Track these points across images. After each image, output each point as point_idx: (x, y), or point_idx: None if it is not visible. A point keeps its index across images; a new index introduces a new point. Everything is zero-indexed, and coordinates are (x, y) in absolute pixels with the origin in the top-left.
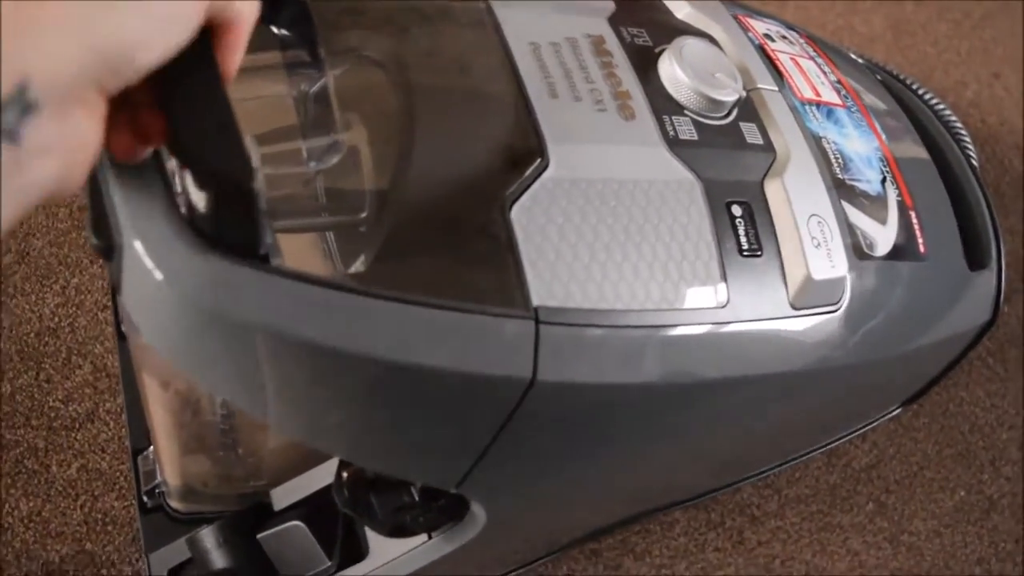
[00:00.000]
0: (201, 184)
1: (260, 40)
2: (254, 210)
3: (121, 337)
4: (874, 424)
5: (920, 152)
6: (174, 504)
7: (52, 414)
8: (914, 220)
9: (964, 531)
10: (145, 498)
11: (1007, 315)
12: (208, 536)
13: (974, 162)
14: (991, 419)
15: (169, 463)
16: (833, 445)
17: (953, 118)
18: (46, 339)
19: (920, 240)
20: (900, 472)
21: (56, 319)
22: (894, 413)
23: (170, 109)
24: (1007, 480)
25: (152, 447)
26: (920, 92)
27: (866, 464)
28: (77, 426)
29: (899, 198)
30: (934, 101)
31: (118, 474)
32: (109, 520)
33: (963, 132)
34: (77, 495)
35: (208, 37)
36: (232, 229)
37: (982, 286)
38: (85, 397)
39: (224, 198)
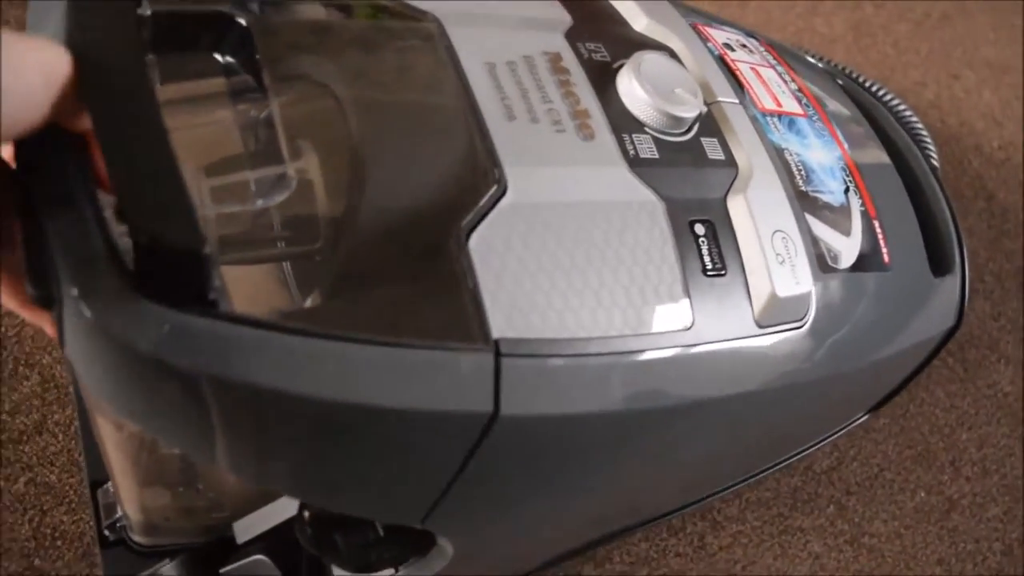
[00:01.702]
0: (147, 245)
1: (204, 67)
2: (201, 262)
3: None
4: (841, 432)
5: (883, 159)
6: (136, 538)
7: None
8: (878, 230)
9: (924, 532)
10: (106, 532)
11: (966, 316)
12: (170, 571)
13: (934, 161)
14: (951, 420)
15: (128, 498)
16: (801, 456)
17: (915, 120)
18: None
19: (884, 250)
20: (861, 474)
21: (2, 329)
22: (861, 420)
23: (110, 165)
24: (967, 480)
25: (110, 481)
26: (881, 95)
27: (827, 467)
28: (25, 439)
29: (862, 208)
30: (896, 103)
31: (67, 488)
32: (59, 535)
33: (925, 135)
34: (25, 510)
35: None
36: (177, 276)
37: (946, 292)
38: (33, 409)
39: (171, 253)
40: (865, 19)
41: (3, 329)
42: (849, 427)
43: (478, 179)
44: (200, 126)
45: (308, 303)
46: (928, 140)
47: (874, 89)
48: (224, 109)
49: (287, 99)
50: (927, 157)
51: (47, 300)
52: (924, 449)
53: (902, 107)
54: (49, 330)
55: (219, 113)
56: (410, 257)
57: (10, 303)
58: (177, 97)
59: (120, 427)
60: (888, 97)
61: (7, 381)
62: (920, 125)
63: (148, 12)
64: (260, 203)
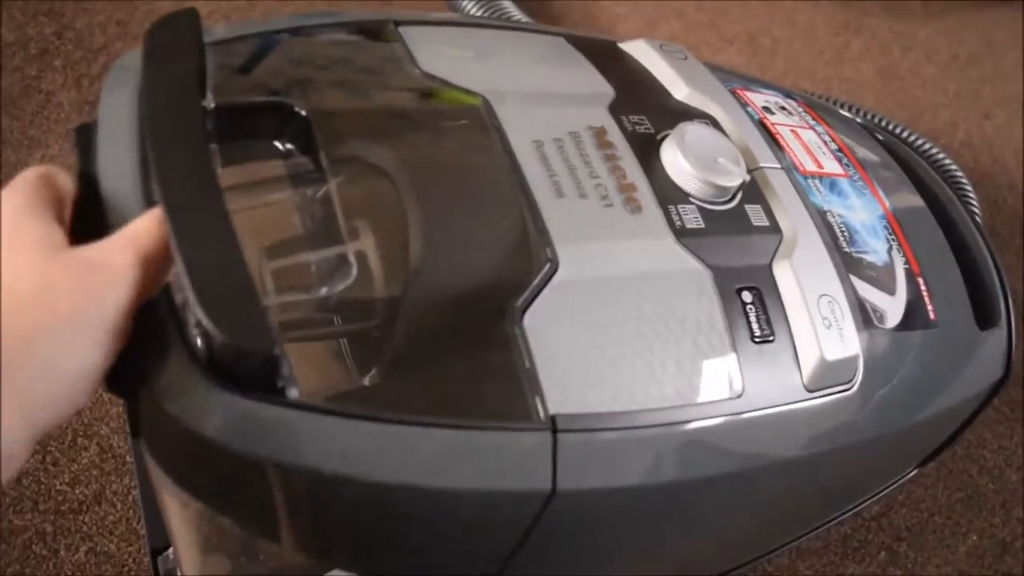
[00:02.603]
0: (222, 347)
1: (264, 152)
2: (273, 360)
3: (135, 435)
4: (892, 487)
5: (925, 214)
6: None
7: (59, 497)
8: (922, 287)
9: None
10: None
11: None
12: None
13: (978, 218)
14: (999, 461)
15: (189, 565)
16: (853, 512)
17: (955, 169)
18: None
19: (929, 306)
20: (910, 519)
21: None
22: (911, 475)
23: (187, 278)
24: (1018, 522)
25: (172, 548)
26: (920, 146)
27: (876, 513)
28: (84, 509)
29: (906, 266)
30: (935, 153)
31: (127, 556)
32: None
33: (966, 183)
34: None
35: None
36: (249, 368)
37: (993, 344)
38: (92, 479)
39: (244, 356)
40: (892, 63)
41: None
42: (900, 482)
43: (530, 257)
44: (262, 208)
45: (366, 381)
46: (970, 190)
47: (912, 140)
48: (284, 192)
49: (343, 181)
50: (970, 210)
51: (124, 391)
52: (973, 491)
53: (942, 157)
54: None
55: (280, 196)
56: (466, 335)
57: None
58: (240, 182)
59: (188, 504)
60: (927, 147)
61: (66, 452)
62: (961, 174)
63: (212, 105)
64: (325, 290)
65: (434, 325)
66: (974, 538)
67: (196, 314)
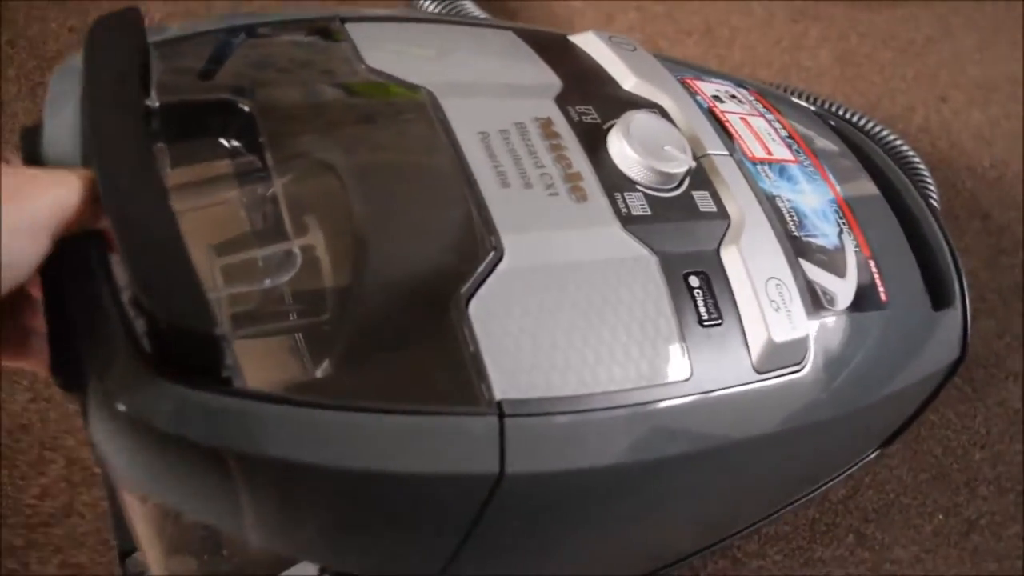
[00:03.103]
0: (164, 330)
1: (212, 151)
2: (215, 344)
3: None
4: (853, 468)
5: (877, 199)
6: None
7: (28, 511)
8: (873, 269)
9: (946, 555)
10: None
11: (971, 335)
12: None
13: (933, 201)
14: (963, 440)
15: (156, 565)
16: (814, 495)
17: (912, 154)
18: (18, 436)
19: (881, 288)
20: (877, 501)
21: (27, 415)
22: (872, 456)
23: (126, 259)
24: (984, 500)
25: (139, 551)
26: (876, 132)
27: (843, 496)
28: (54, 522)
29: (857, 248)
30: (891, 138)
31: (98, 567)
32: None
33: (922, 168)
34: None
35: None
36: (192, 357)
37: (948, 324)
38: (60, 492)
39: (186, 337)
40: (850, 50)
41: (28, 415)
42: (861, 463)
43: (476, 247)
44: (210, 207)
45: (319, 373)
46: (926, 174)
47: (868, 126)
48: (232, 190)
49: (290, 178)
50: (926, 194)
51: (71, 386)
52: (939, 472)
53: (899, 143)
54: None
55: (227, 194)
56: (414, 325)
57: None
58: (187, 181)
59: (145, 499)
60: (883, 133)
61: (35, 465)
62: (917, 159)
63: (156, 103)
64: (268, 282)
65: (382, 315)
66: (940, 517)
67: (136, 295)
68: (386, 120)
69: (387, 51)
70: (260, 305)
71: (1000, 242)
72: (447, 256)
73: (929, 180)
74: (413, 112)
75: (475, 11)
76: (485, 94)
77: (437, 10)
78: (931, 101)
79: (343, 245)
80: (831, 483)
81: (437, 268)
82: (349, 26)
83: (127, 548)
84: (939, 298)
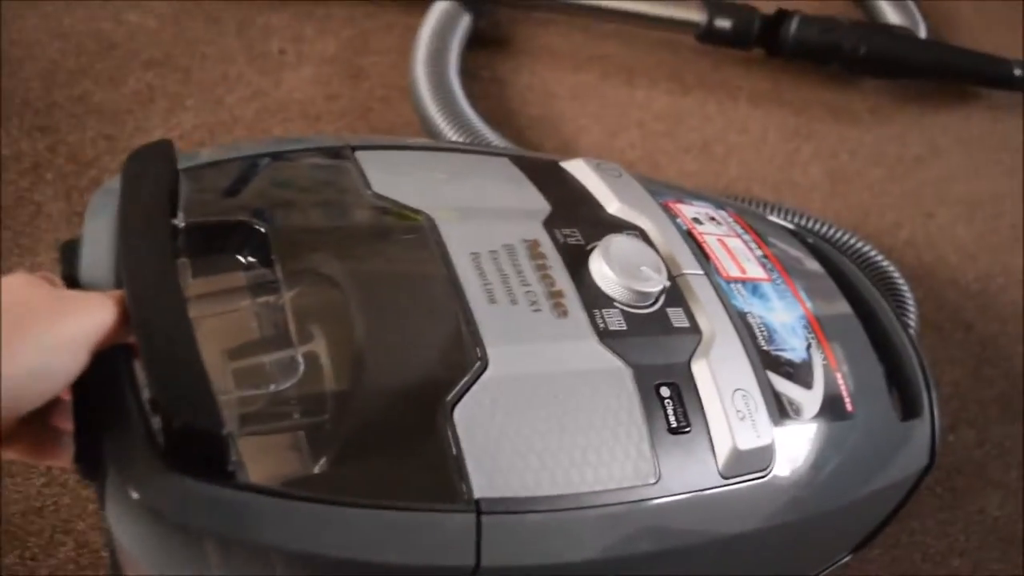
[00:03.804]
0: (176, 429)
1: (229, 264)
2: (221, 443)
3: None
4: (826, 571)
5: (847, 314)
6: None
7: None
8: (840, 381)
9: None
10: None
11: (952, 444)
12: None
13: (908, 311)
14: (942, 547)
15: None
16: None
17: (891, 269)
18: (31, 518)
19: (847, 399)
20: None
21: (41, 499)
22: (845, 560)
23: (147, 367)
24: None
25: None
26: (856, 246)
27: None
28: None
29: (825, 361)
30: (872, 254)
31: None
32: None
33: (901, 282)
34: None
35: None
36: (200, 453)
37: (916, 434)
38: (68, 573)
39: (195, 436)
40: (840, 167)
41: (42, 499)
42: (832, 566)
43: (463, 357)
44: (225, 314)
45: (317, 468)
46: (905, 289)
47: (850, 243)
48: (245, 300)
49: (298, 290)
50: (901, 306)
51: (91, 475)
52: None
53: (879, 259)
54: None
55: (241, 303)
56: (404, 427)
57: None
58: (206, 291)
59: None
60: (865, 249)
61: (45, 548)
62: (896, 274)
63: (182, 223)
64: (274, 387)
65: (376, 418)
66: None
67: (154, 397)
68: (387, 241)
69: (391, 177)
70: (266, 405)
71: (983, 353)
72: (437, 365)
73: (907, 294)
74: (412, 234)
75: (486, 132)
76: (479, 217)
77: (454, 136)
78: (918, 217)
79: (343, 352)
80: None
81: (427, 376)
82: (359, 154)
83: None
84: (909, 409)
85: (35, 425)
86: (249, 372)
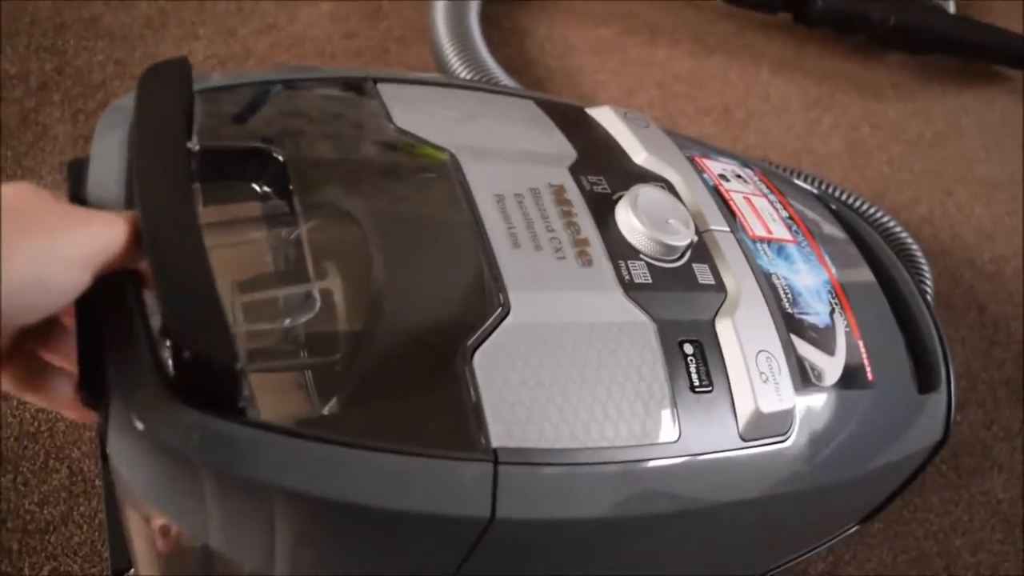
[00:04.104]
0: (188, 360)
1: (244, 193)
2: (234, 376)
3: (104, 458)
4: (833, 541)
5: (870, 282)
6: None
7: (27, 517)
8: (862, 349)
9: None
10: None
11: (959, 424)
12: None
13: (926, 286)
14: (945, 525)
15: None
16: (792, 563)
17: (910, 242)
18: (25, 443)
19: (868, 368)
20: None
21: (36, 423)
22: (852, 530)
23: (159, 294)
24: None
25: (133, 569)
26: (878, 219)
27: (823, 570)
28: (51, 529)
29: (847, 328)
30: (892, 226)
31: None
32: None
33: (919, 255)
34: None
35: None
36: (212, 387)
37: (932, 408)
38: (60, 500)
39: (208, 368)
40: (861, 139)
41: (37, 424)
42: (841, 536)
43: (484, 302)
44: (237, 245)
45: (326, 410)
46: (923, 262)
47: (870, 213)
48: (259, 231)
49: (315, 224)
50: (920, 280)
51: (95, 403)
52: (918, 554)
53: (899, 231)
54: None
55: (255, 235)
56: (421, 371)
57: (44, 401)
58: (219, 219)
59: (148, 519)
60: (885, 220)
61: (38, 473)
62: (915, 247)
63: (196, 147)
64: (288, 322)
65: (391, 360)
66: None
67: (165, 325)
68: (409, 178)
69: (415, 112)
70: (278, 342)
71: (995, 335)
72: (457, 308)
73: (925, 268)
74: (435, 172)
75: (503, 77)
76: (504, 159)
77: (467, 75)
78: (936, 194)
79: (360, 291)
80: (810, 553)
81: (446, 319)
82: (381, 86)
83: (121, 567)
84: (926, 382)
85: (27, 354)
86: (261, 306)
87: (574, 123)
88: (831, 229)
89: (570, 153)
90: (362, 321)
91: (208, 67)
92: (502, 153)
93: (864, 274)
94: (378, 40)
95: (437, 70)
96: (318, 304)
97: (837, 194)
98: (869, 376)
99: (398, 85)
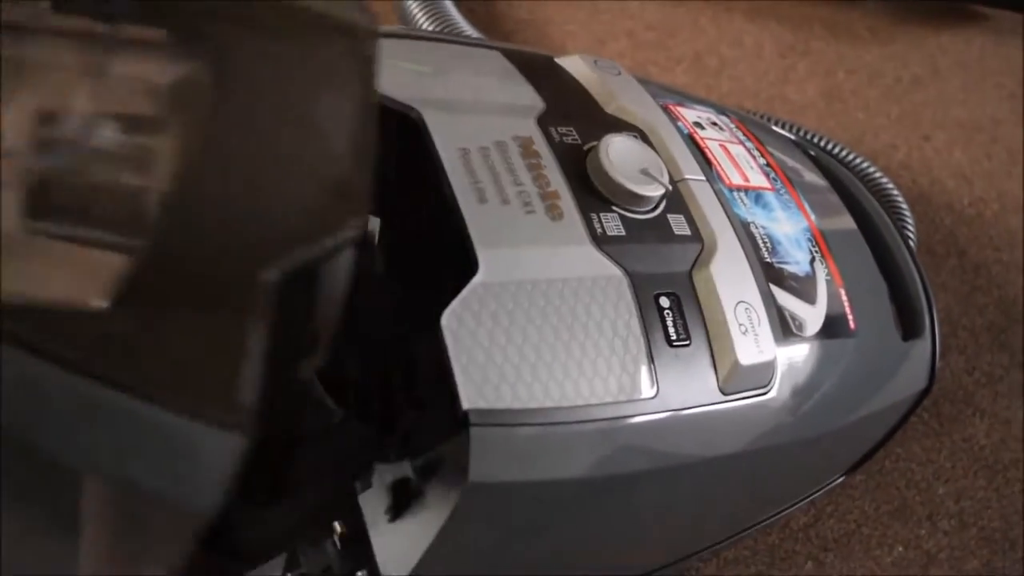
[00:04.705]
0: None
1: None
2: None
3: None
4: (818, 493)
5: (851, 229)
6: None
7: None
8: (843, 297)
9: None
10: None
11: (941, 370)
12: None
13: (909, 233)
14: (927, 474)
15: None
16: (776, 518)
17: (891, 188)
18: None
19: (850, 317)
20: (838, 530)
21: None
22: (838, 481)
23: None
24: (944, 534)
25: None
26: (857, 164)
27: (804, 523)
28: None
29: (828, 277)
30: (872, 172)
31: None
32: None
33: (901, 202)
34: None
35: None
36: None
37: (916, 355)
38: None
39: None
40: (836, 85)
41: None
42: (825, 488)
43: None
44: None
45: None
46: (905, 209)
47: (848, 158)
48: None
49: None
50: (902, 227)
51: None
52: (901, 504)
53: (879, 176)
54: None
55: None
56: None
57: None
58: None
59: None
60: (864, 166)
61: None
62: (896, 193)
63: None
64: None
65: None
66: (900, 549)
67: None
68: None
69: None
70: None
71: (975, 280)
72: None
73: (907, 214)
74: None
75: (468, 29)
76: (468, 112)
77: (430, 27)
78: (914, 139)
79: None
80: (793, 507)
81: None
82: None
83: None
84: (909, 329)
85: None
86: None
87: (542, 73)
88: (811, 176)
89: (538, 104)
90: None
91: None
92: (466, 105)
93: (845, 221)
94: None
95: (397, 18)
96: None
97: (815, 141)
98: (852, 324)
99: None
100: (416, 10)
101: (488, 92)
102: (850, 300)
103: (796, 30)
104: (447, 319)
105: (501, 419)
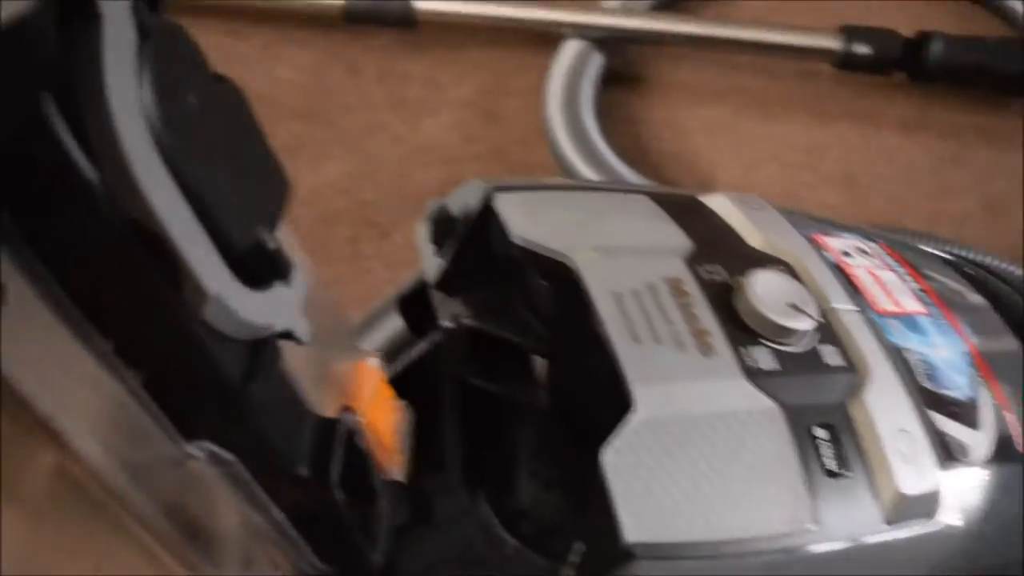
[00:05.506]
0: None
1: None
2: None
3: None
4: None
5: (1014, 350)
6: None
7: None
8: (1010, 421)
9: None
10: None
11: None
12: None
13: None
14: None
15: None
16: None
17: None
18: None
19: (1019, 441)
20: None
21: None
22: None
23: None
24: None
25: None
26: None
27: None
28: None
29: (993, 400)
30: None
31: None
32: None
33: None
34: None
35: None
36: None
37: None
38: None
39: None
40: (996, 194)
41: None
42: None
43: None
44: None
45: None
46: None
47: (1014, 274)
48: None
49: None
50: None
51: None
52: None
53: None
54: None
55: None
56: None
57: None
58: None
59: None
60: None
61: None
62: None
63: None
64: None
65: None
66: None
67: None
68: None
69: (532, 220)
70: None
71: None
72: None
73: None
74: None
75: (623, 171)
76: (620, 256)
77: (588, 174)
78: None
79: None
80: None
81: None
82: (499, 196)
83: None
84: None
85: None
86: None
87: (688, 213)
88: (968, 296)
89: (685, 244)
90: None
91: (343, 184)
92: (617, 251)
93: (1008, 342)
94: (496, 142)
95: (557, 167)
96: None
97: (972, 258)
98: (1021, 448)
99: (516, 193)
100: (575, 159)
101: (637, 236)
102: (1019, 423)
103: (948, 139)
104: (608, 455)
105: (664, 552)
